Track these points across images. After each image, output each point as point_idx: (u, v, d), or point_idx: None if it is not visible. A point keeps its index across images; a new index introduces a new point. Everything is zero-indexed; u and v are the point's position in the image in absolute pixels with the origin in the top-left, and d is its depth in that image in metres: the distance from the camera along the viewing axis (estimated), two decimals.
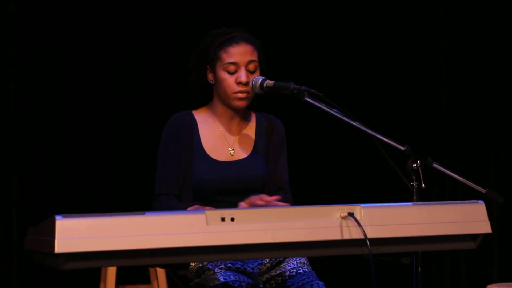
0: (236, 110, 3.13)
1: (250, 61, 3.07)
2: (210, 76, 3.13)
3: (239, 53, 3.07)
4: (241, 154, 3.14)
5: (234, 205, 2.95)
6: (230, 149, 3.13)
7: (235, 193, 3.03)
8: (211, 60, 3.10)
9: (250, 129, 3.19)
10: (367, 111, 4.81)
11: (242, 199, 2.95)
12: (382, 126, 4.59)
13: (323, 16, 4.88)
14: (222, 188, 3.04)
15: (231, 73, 3.07)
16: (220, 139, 3.14)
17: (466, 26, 5.04)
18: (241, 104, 3.08)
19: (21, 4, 4.29)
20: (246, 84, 3.05)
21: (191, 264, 2.94)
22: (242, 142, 3.16)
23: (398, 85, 4.97)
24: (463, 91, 5.04)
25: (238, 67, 3.06)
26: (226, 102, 3.10)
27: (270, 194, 3.09)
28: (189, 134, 3.11)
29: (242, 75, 3.05)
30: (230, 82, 3.06)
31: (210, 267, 2.91)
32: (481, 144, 5.06)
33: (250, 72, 3.07)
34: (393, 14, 4.98)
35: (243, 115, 3.17)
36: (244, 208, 2.82)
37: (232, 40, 3.08)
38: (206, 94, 3.17)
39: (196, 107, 3.20)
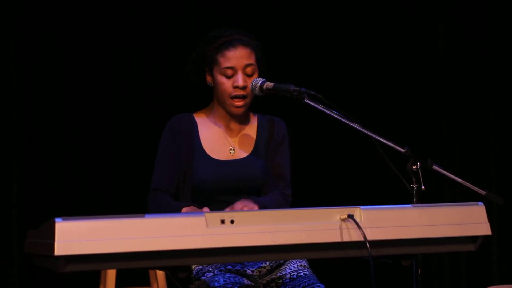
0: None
1: (247, 65, 3.06)
2: (209, 79, 3.13)
3: (236, 57, 3.06)
4: (242, 153, 3.13)
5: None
6: (231, 149, 3.13)
7: (235, 193, 3.02)
8: (209, 63, 3.10)
9: (251, 129, 3.19)
10: (366, 107, 4.82)
11: (241, 199, 2.95)
12: (382, 123, 4.65)
13: (325, 18, 4.88)
14: (222, 187, 3.04)
15: (229, 77, 3.06)
16: (221, 139, 3.14)
17: (466, 31, 5.04)
18: (237, 111, 3.08)
19: (21, 4, 4.28)
20: (243, 88, 3.05)
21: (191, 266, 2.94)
22: (242, 141, 3.16)
23: (398, 83, 4.97)
24: (463, 88, 5.04)
25: (236, 71, 3.06)
26: (224, 107, 3.10)
27: (268, 191, 3.10)
28: (189, 134, 3.11)
29: (239, 79, 3.05)
30: (227, 86, 3.06)
31: (210, 269, 2.91)
32: (481, 138, 5.05)
33: (248, 76, 3.07)
34: (394, 15, 4.98)
35: (243, 116, 3.17)
36: (244, 210, 2.82)
37: (229, 44, 3.07)
38: (207, 95, 3.18)
39: (197, 108, 3.20)
